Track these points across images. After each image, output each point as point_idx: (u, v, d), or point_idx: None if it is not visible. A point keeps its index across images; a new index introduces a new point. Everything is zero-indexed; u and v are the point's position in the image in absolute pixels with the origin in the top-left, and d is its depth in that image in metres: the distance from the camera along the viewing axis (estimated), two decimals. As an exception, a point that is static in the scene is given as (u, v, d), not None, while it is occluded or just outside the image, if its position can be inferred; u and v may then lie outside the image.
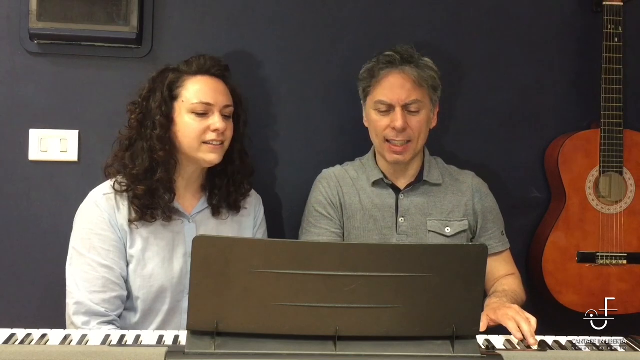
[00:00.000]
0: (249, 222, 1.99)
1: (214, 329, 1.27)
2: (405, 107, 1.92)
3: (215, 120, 1.81)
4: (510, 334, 1.57)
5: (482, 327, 1.60)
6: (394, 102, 1.91)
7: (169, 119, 1.81)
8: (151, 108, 1.81)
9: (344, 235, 2.01)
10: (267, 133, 2.24)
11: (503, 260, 2.04)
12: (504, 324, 1.59)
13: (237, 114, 1.91)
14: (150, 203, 1.80)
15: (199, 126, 1.80)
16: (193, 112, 1.80)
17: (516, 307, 1.67)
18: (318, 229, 2.00)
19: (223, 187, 1.91)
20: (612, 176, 2.18)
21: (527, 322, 1.56)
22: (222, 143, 1.84)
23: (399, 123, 1.90)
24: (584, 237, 2.18)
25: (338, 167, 2.11)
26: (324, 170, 2.10)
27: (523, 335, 1.54)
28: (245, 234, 1.98)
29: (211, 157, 1.83)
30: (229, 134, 1.86)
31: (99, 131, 2.15)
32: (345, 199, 2.02)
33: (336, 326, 1.28)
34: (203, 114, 1.81)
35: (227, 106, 1.85)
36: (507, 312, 1.63)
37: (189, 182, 1.90)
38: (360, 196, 2.02)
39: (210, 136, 1.81)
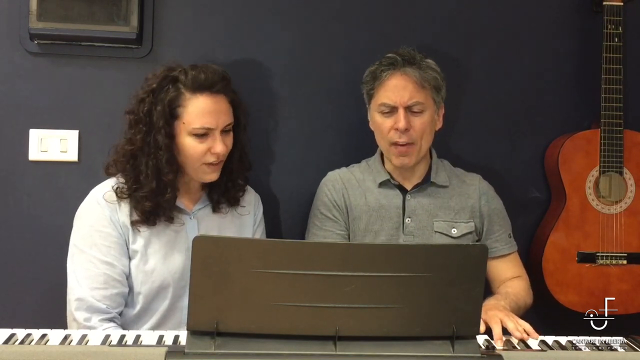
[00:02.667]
0: (249, 221, 2.00)
1: (214, 329, 1.27)
2: (408, 109, 1.92)
3: (216, 144, 1.79)
4: (509, 333, 1.58)
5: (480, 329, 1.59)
6: (396, 104, 1.91)
7: (171, 138, 1.79)
8: (154, 126, 1.78)
9: (349, 237, 2.01)
10: (267, 134, 2.24)
11: (510, 262, 2.03)
12: (490, 325, 1.60)
13: (237, 121, 1.90)
14: (154, 211, 1.81)
15: (200, 148, 1.79)
16: (194, 135, 1.79)
17: (507, 312, 1.68)
18: (324, 231, 2.01)
19: (222, 185, 1.91)
20: (612, 176, 2.18)
21: (513, 321, 1.59)
22: (221, 161, 1.84)
23: (401, 124, 1.90)
24: (584, 237, 2.18)
25: (344, 169, 2.11)
26: (329, 173, 2.10)
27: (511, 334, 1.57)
28: (246, 231, 1.98)
29: (210, 177, 1.84)
30: (229, 148, 1.85)
31: (99, 131, 2.15)
32: (350, 201, 2.02)
33: (336, 326, 1.28)
34: (203, 135, 1.79)
35: (228, 124, 1.84)
36: (496, 313, 1.64)
37: (189, 183, 1.90)
38: (367, 197, 2.02)
39: (210, 158, 1.80)
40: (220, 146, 1.80)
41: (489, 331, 1.60)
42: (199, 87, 1.79)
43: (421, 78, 1.92)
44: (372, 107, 1.99)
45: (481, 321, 1.61)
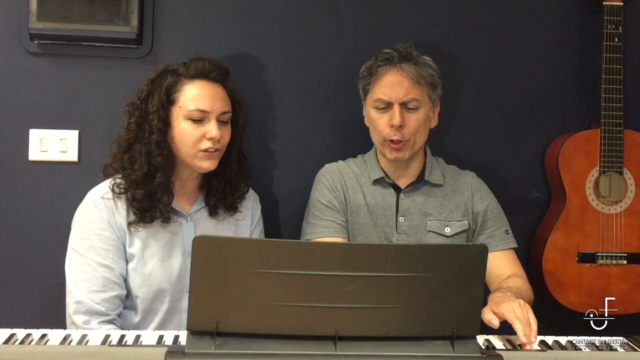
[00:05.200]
0: (246, 223, 2.00)
1: (214, 329, 1.27)
2: (403, 105, 1.92)
3: (212, 128, 1.79)
4: (511, 332, 1.56)
5: (495, 324, 1.54)
6: (392, 100, 1.91)
7: (166, 124, 1.80)
8: (149, 111, 1.80)
9: (348, 230, 2.01)
10: (265, 133, 2.24)
11: (506, 258, 1.99)
12: (509, 321, 1.54)
13: (236, 118, 1.90)
14: (149, 206, 1.80)
15: (195, 133, 1.79)
16: (189, 119, 1.79)
17: (521, 301, 1.61)
18: (325, 221, 2.00)
19: (220, 189, 1.91)
20: (612, 176, 2.18)
21: (528, 326, 1.52)
22: (217, 150, 1.83)
23: (396, 120, 1.90)
24: (584, 237, 2.18)
25: (340, 162, 2.11)
26: (326, 165, 2.10)
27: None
28: (243, 234, 1.98)
29: (206, 164, 1.83)
30: (226, 139, 1.85)
31: (99, 131, 2.15)
32: (349, 194, 2.02)
33: (336, 326, 1.28)
34: (199, 121, 1.80)
35: (224, 112, 1.84)
36: (511, 305, 1.57)
37: (186, 182, 1.90)
38: (364, 192, 2.02)
39: (206, 144, 1.80)
40: (215, 130, 1.79)
41: (491, 330, 1.58)
42: (196, 75, 1.82)
43: (417, 74, 1.92)
44: (368, 103, 1.99)
45: (493, 315, 1.56)
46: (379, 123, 1.95)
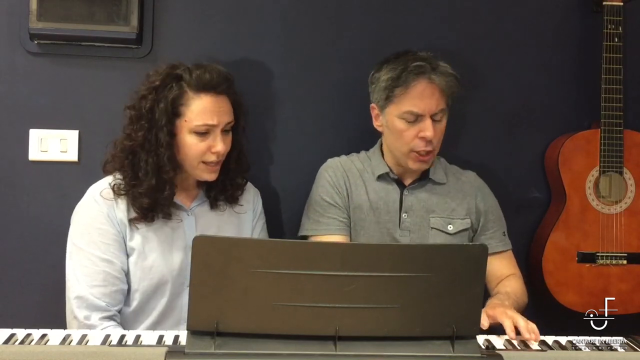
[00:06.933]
0: (248, 217, 2.00)
1: (214, 329, 1.27)
2: (432, 117, 1.90)
3: (217, 142, 1.79)
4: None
5: (484, 325, 1.59)
6: (424, 112, 1.89)
7: (172, 136, 1.79)
8: (157, 124, 1.77)
9: (350, 227, 2.00)
10: (266, 132, 2.24)
11: (504, 260, 2.03)
12: (500, 321, 1.60)
13: (237, 121, 1.90)
14: (152, 208, 1.80)
15: (200, 147, 1.79)
16: (195, 132, 1.79)
17: (514, 310, 1.67)
18: (327, 218, 1.99)
19: (219, 183, 1.91)
20: (612, 176, 2.18)
21: (524, 320, 1.57)
22: (220, 161, 1.84)
23: (430, 133, 1.88)
24: (584, 237, 2.18)
25: (343, 157, 2.10)
26: (329, 160, 2.09)
27: (519, 333, 1.55)
28: (245, 228, 1.98)
29: (208, 176, 1.84)
30: (228, 147, 1.85)
31: (99, 131, 2.15)
32: (352, 189, 2.02)
33: (336, 326, 1.29)
34: (204, 133, 1.79)
35: (228, 123, 1.84)
36: (505, 310, 1.64)
37: (187, 180, 1.90)
38: (367, 188, 2.02)
39: (210, 157, 1.80)
40: (220, 145, 1.80)
41: (491, 331, 1.60)
42: (203, 87, 1.79)
43: (446, 85, 1.91)
44: (392, 112, 1.93)
45: (486, 317, 1.62)
46: (407, 135, 1.91)
